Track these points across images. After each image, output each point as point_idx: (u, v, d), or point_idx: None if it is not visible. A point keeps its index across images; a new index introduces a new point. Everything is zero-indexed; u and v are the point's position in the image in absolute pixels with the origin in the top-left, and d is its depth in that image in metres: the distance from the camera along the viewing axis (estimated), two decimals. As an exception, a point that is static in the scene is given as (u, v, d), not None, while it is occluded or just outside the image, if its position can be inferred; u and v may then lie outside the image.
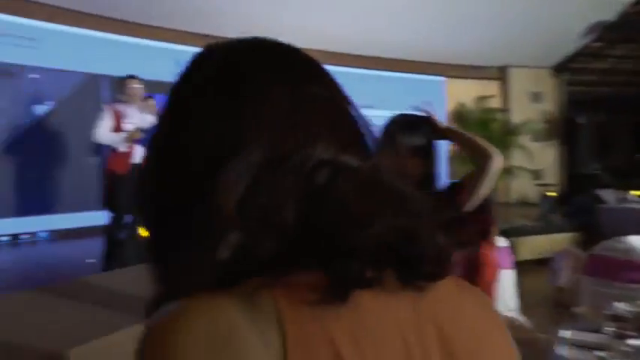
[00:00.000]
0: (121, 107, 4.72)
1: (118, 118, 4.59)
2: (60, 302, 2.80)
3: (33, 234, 6.21)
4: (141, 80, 4.78)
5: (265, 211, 0.46)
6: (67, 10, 6.63)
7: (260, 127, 0.49)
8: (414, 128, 1.67)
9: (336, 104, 0.56)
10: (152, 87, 7.24)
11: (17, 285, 4.54)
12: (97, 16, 6.87)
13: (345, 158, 0.50)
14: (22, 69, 6.18)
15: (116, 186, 4.47)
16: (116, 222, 4.53)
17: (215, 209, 0.46)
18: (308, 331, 0.43)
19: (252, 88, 0.52)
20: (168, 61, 7.48)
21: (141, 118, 4.70)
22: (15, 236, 6.08)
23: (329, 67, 0.58)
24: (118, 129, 4.61)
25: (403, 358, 0.46)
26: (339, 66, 9.15)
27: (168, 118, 0.54)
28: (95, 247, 4.86)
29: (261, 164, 0.48)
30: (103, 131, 4.60)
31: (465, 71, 10.51)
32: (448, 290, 0.53)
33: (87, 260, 5.10)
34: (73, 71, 6.57)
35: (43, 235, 6.28)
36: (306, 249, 0.46)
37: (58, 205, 6.37)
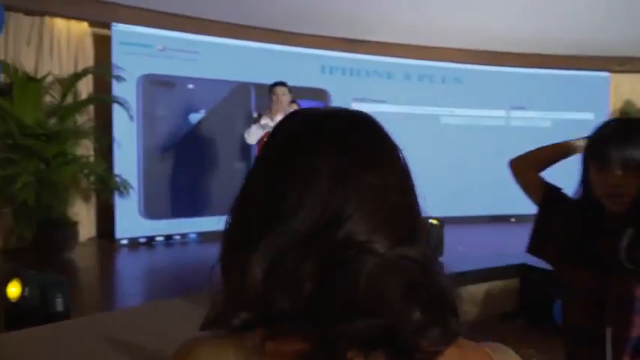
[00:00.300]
0: (268, 113, 4.78)
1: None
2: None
3: (184, 235, 6.62)
4: (288, 87, 4.77)
5: (288, 282, 0.52)
6: (222, 22, 6.97)
7: (302, 201, 0.54)
8: (631, 138, 1.34)
9: (386, 193, 0.58)
10: (297, 93, 7.41)
11: (170, 283, 4.85)
12: (248, 26, 7.14)
13: (374, 244, 0.54)
14: (181, 80, 6.60)
15: None
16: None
17: (247, 270, 0.53)
18: None
19: (305, 162, 0.57)
20: (314, 67, 7.67)
21: None
22: (168, 237, 6.52)
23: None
24: (265, 134, 4.69)
25: None
26: (492, 65, 8.63)
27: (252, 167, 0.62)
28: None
29: (296, 235, 0.53)
30: (255, 131, 4.68)
31: (635, 64, 9.31)
32: None
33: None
34: (225, 80, 6.88)
35: (193, 236, 6.66)
36: (310, 315, 0.51)
37: (207, 208, 6.71)
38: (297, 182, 0.55)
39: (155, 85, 6.46)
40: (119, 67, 5.89)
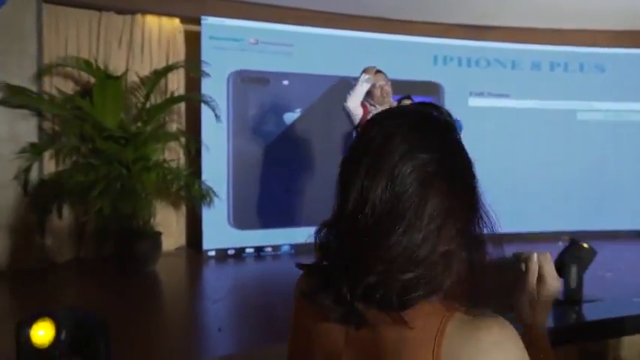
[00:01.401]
0: (370, 107, 3.96)
1: (365, 116, 3.82)
2: None
3: (276, 247, 6.01)
4: (386, 77, 3.91)
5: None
6: (320, 12, 6.29)
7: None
8: None
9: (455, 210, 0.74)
10: (407, 87, 6.54)
11: (263, 307, 4.22)
12: (350, 15, 6.39)
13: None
14: (275, 76, 6.01)
15: None
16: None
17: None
18: None
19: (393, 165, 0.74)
20: (425, 58, 6.75)
21: None
22: (259, 249, 5.95)
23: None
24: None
25: None
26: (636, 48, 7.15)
27: None
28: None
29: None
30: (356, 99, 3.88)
31: None
32: None
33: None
34: (323, 75, 6.18)
35: (286, 248, 6.04)
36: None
37: (302, 218, 6.06)
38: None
39: (247, 82, 5.91)
40: (206, 63, 5.40)
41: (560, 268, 3.94)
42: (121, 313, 3.94)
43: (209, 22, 5.72)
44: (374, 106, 3.79)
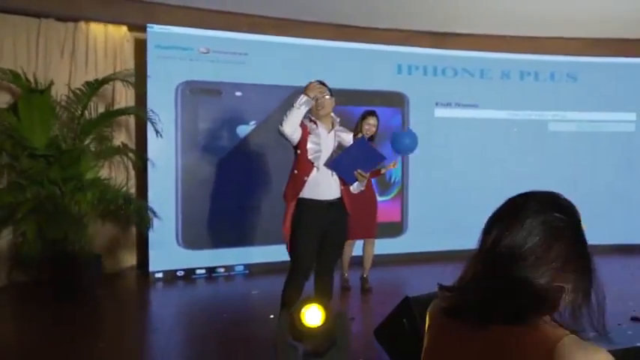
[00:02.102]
0: (310, 124, 3.53)
1: (306, 136, 3.43)
2: None
3: (230, 267, 5.69)
4: (326, 88, 3.49)
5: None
6: (276, 19, 5.99)
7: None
8: None
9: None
10: (370, 98, 6.25)
11: (214, 333, 3.89)
12: (309, 22, 6.09)
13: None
14: (228, 87, 5.69)
15: None
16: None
17: None
18: None
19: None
20: (388, 68, 6.44)
21: (327, 139, 3.47)
22: (211, 269, 5.62)
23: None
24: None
25: None
26: (616, 57, 6.91)
27: None
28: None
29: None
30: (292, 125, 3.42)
31: None
32: None
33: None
34: (279, 85, 5.86)
35: (240, 268, 5.71)
36: None
37: (257, 237, 5.74)
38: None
39: (197, 93, 5.59)
40: (151, 76, 5.08)
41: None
42: (47, 344, 3.62)
43: (155, 30, 5.39)
44: (315, 123, 3.45)
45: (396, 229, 6.34)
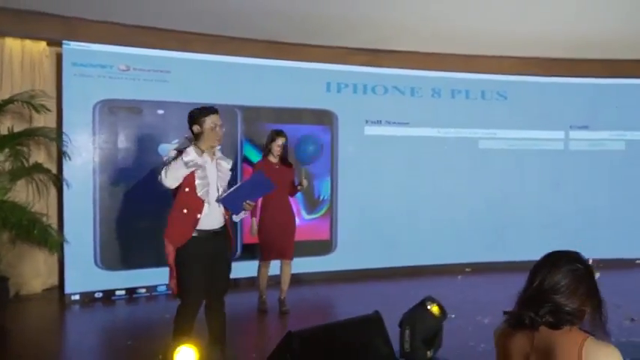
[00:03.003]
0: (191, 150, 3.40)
1: (192, 172, 3.35)
2: None
3: (151, 288, 5.61)
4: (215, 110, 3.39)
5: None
6: (199, 35, 5.91)
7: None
8: None
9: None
10: (298, 115, 6.23)
11: None
12: (233, 38, 6.04)
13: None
14: (149, 105, 5.60)
15: None
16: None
17: None
18: None
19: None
20: (316, 85, 6.44)
21: (212, 170, 3.35)
22: (131, 290, 5.53)
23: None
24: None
25: None
26: (545, 76, 7.04)
27: None
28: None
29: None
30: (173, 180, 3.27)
31: None
32: None
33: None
34: (204, 103, 5.75)
35: (163, 288, 5.64)
36: None
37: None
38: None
39: (117, 111, 5.49)
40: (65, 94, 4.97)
41: (400, 325, 3.66)
42: None
43: (71, 47, 5.28)
44: (200, 153, 3.32)
45: (324, 247, 6.33)
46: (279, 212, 4.88)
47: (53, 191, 5.54)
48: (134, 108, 5.54)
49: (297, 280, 5.84)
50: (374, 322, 3.40)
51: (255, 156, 5.94)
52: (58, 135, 5.17)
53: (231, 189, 3.41)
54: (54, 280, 5.71)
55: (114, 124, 5.48)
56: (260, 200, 4.68)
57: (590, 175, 7.06)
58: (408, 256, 6.59)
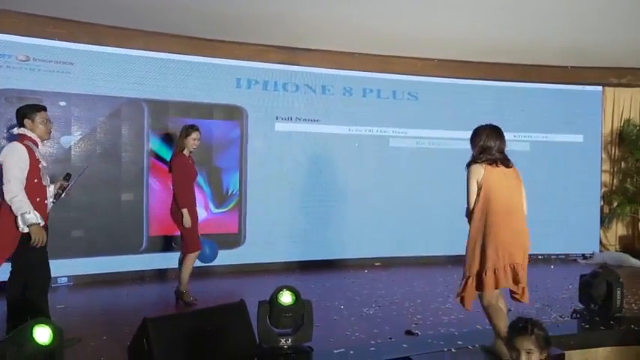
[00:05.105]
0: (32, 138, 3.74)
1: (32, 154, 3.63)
2: None
3: (53, 279, 5.57)
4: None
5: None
6: (105, 27, 5.89)
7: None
8: None
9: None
10: (206, 111, 6.29)
11: None
12: (140, 31, 6.03)
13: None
14: (50, 96, 5.56)
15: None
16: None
17: None
18: None
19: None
20: (226, 81, 6.45)
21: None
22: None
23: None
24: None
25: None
26: (456, 78, 7.30)
27: None
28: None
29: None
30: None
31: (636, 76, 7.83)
32: None
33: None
34: (109, 96, 5.81)
35: (64, 280, 5.62)
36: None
37: (82, 249, 5.67)
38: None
39: (15, 102, 5.43)
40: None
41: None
42: None
43: (-34, 36, 5.22)
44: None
45: (233, 240, 6.42)
46: (194, 204, 4.97)
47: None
48: (33, 98, 5.46)
49: (206, 272, 5.92)
50: (236, 309, 3.53)
51: (163, 150, 5.99)
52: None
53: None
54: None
55: (12, 114, 5.41)
56: (186, 191, 4.80)
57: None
58: (319, 250, 6.74)
